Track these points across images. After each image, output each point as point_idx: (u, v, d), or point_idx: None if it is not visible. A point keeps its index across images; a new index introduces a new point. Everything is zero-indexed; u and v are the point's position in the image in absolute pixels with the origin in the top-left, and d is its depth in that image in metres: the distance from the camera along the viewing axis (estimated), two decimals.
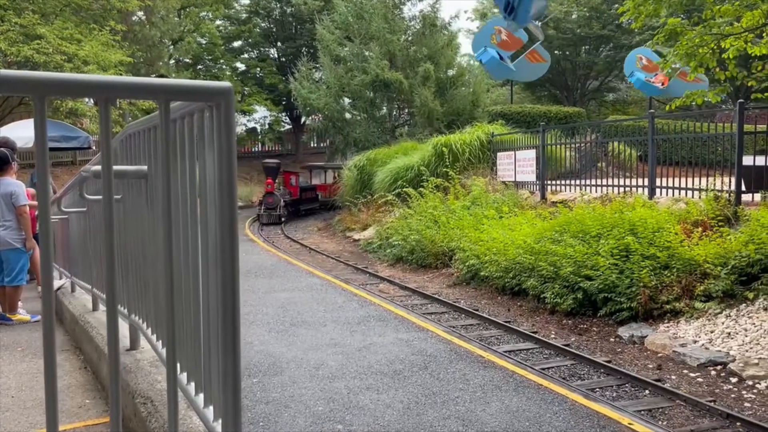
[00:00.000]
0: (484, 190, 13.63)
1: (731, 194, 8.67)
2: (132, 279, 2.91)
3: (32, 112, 1.15)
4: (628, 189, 10.94)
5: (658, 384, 5.73)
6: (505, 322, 8.08)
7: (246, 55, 37.14)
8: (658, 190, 10.18)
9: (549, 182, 13.13)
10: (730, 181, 8.81)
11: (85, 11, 19.46)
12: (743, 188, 8.70)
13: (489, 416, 4.27)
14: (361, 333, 6.52)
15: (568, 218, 9.37)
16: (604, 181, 11.66)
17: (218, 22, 34.90)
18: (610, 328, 7.56)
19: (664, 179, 10.21)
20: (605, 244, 8.10)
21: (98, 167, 2.04)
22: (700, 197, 9.13)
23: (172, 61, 31.38)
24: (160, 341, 2.44)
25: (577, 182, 12.44)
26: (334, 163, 28.81)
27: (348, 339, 6.27)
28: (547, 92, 33.65)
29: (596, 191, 11.58)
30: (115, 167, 1.95)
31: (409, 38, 25.02)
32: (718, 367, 6.11)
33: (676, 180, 9.97)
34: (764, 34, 8.39)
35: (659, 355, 6.65)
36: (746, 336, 6.45)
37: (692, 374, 6.06)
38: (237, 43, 36.43)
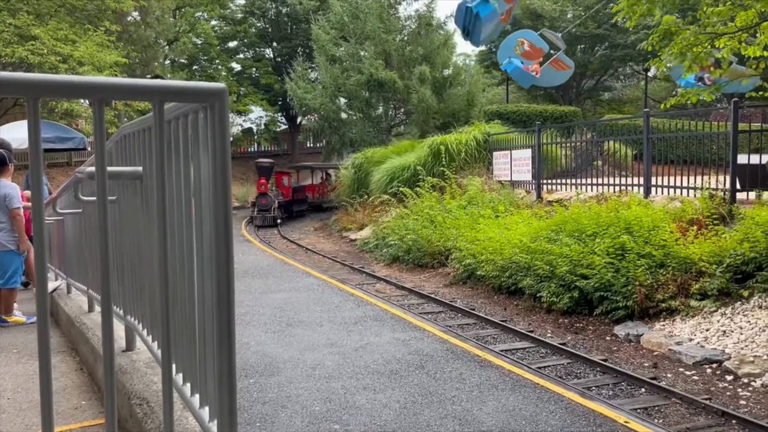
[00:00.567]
0: (480, 189, 13.66)
1: (726, 193, 8.70)
2: (127, 280, 2.91)
3: (27, 113, 1.15)
4: (623, 188, 10.97)
5: (654, 382, 5.75)
6: (502, 321, 8.09)
7: (241, 56, 37.08)
8: (653, 189, 10.20)
9: (545, 181, 13.16)
10: (725, 180, 8.85)
11: (79, 12, 19.40)
12: (738, 186, 8.73)
13: (485, 415, 4.28)
14: (358, 333, 6.52)
15: (563, 217, 9.39)
16: (600, 180, 11.68)
17: (213, 23, 34.84)
18: (606, 326, 7.58)
19: (660, 178, 10.24)
20: (601, 243, 8.12)
21: (93, 168, 2.04)
22: (695, 196, 9.16)
23: (167, 62, 31.33)
24: (156, 342, 2.44)
25: (573, 181, 12.45)
26: (322, 163, 28.57)
27: (345, 339, 6.27)
28: (542, 91, 33.71)
29: (592, 190, 11.60)
30: (109, 168, 1.95)
31: (405, 38, 25.02)
32: (714, 365, 6.14)
33: (672, 179, 10.00)
34: (758, 34, 8.42)
35: (655, 353, 6.67)
36: (741, 334, 6.48)
37: (688, 372, 6.08)
38: (232, 44, 36.37)
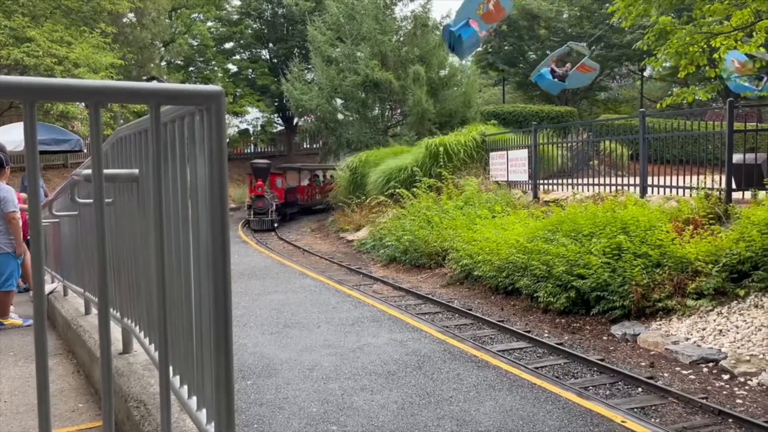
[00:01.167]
0: (476, 190, 13.67)
1: (722, 192, 8.72)
2: (124, 282, 2.91)
3: (23, 116, 1.15)
4: (619, 188, 10.99)
5: (651, 382, 5.77)
6: (499, 321, 8.10)
7: (238, 57, 37.02)
8: (649, 189, 10.23)
9: (541, 182, 13.17)
10: (720, 179, 8.87)
11: (75, 13, 19.35)
12: (734, 186, 8.76)
13: (483, 416, 4.29)
14: (355, 334, 6.52)
15: (560, 217, 9.41)
16: (596, 180, 11.71)
17: (209, 24, 34.81)
18: (603, 326, 7.60)
19: (656, 178, 10.27)
20: (597, 243, 8.14)
21: (89, 171, 2.04)
22: (691, 195, 9.19)
23: (163, 63, 31.27)
24: (153, 344, 2.43)
25: (569, 181, 12.47)
26: (308, 164, 28.29)
27: (342, 340, 6.27)
28: (539, 92, 33.74)
29: (588, 190, 11.62)
30: (106, 171, 1.95)
31: (401, 39, 25.04)
32: (710, 364, 6.16)
33: (668, 178, 10.02)
34: (753, 33, 8.45)
35: (652, 352, 6.69)
36: (738, 333, 6.50)
37: (684, 371, 6.10)
38: (228, 45, 36.32)
